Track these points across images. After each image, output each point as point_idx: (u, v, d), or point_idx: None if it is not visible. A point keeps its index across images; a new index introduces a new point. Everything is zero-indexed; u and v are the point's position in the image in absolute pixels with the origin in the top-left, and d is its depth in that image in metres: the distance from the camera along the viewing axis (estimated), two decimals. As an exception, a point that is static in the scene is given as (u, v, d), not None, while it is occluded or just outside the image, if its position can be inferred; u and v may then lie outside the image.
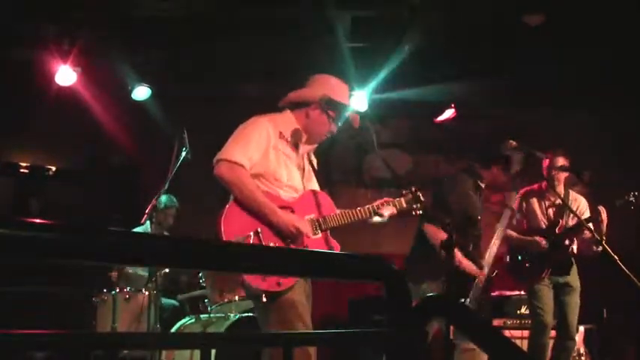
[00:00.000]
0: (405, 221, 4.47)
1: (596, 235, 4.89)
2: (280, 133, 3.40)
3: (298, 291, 3.25)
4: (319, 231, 3.38)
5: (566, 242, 5.22)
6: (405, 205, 3.62)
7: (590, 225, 5.11)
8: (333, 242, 3.45)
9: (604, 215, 5.00)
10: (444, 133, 7.77)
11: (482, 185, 4.53)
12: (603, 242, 4.65)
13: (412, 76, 6.72)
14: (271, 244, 3.20)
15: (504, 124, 7.47)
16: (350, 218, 3.46)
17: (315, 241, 3.35)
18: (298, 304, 3.22)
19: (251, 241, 3.15)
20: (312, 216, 3.38)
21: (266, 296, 3.15)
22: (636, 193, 5.04)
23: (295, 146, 3.44)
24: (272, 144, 3.34)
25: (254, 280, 3.15)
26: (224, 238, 3.13)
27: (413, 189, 3.66)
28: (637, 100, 7.13)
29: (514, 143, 4.85)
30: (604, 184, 5.24)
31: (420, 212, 3.69)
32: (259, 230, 3.19)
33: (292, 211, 3.32)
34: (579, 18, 5.94)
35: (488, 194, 4.87)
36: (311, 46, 6.28)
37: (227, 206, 3.23)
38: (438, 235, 4.08)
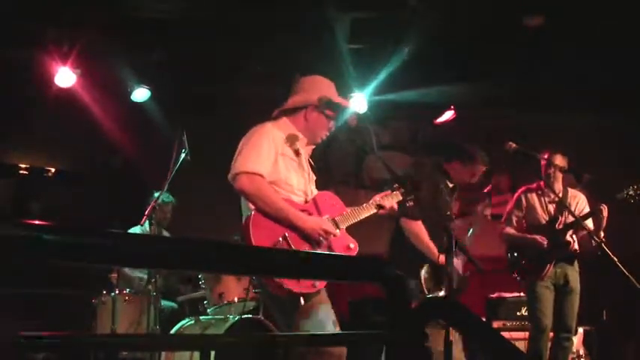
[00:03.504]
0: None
1: (593, 232, 4.92)
2: (284, 138, 3.44)
3: (324, 293, 3.36)
4: (337, 230, 3.45)
5: (567, 238, 5.22)
6: (401, 196, 3.71)
7: (590, 220, 5.13)
8: (351, 239, 3.52)
9: (605, 212, 5.01)
10: (444, 135, 7.77)
11: (451, 184, 4.59)
12: (602, 244, 4.66)
13: (411, 77, 6.71)
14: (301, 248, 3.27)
15: (504, 125, 7.47)
16: (361, 214, 3.56)
17: (336, 240, 3.42)
18: (327, 305, 3.32)
19: (280, 247, 3.20)
20: (327, 217, 3.44)
21: (304, 299, 3.20)
22: (635, 186, 5.04)
23: (298, 150, 3.48)
24: (279, 150, 3.39)
25: (290, 284, 3.18)
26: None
27: (407, 181, 3.74)
28: (637, 100, 7.13)
29: (513, 145, 4.86)
30: (604, 185, 5.23)
31: (412, 203, 3.77)
32: (287, 235, 3.24)
33: (309, 214, 3.38)
34: (579, 19, 5.94)
35: (491, 195, 4.89)
36: (311, 48, 6.28)
37: (251, 215, 3.25)
38: (414, 227, 4.36)
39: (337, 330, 3.28)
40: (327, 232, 3.31)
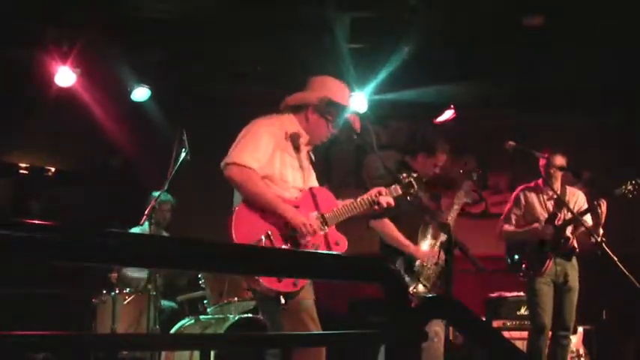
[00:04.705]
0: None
1: (592, 228, 4.92)
2: (286, 133, 3.43)
3: (308, 291, 3.31)
4: (326, 227, 3.41)
5: (567, 234, 5.22)
6: (400, 192, 3.64)
7: (588, 217, 5.13)
8: (340, 237, 3.47)
9: (604, 207, 5.00)
10: (444, 135, 7.77)
11: (414, 176, 4.53)
12: (603, 243, 4.66)
13: (411, 77, 6.71)
14: (283, 246, 3.24)
15: (504, 124, 7.48)
16: (352, 211, 3.49)
17: (323, 237, 3.38)
18: (309, 305, 3.28)
19: (263, 245, 3.18)
20: (316, 213, 3.41)
21: (284, 297, 3.18)
22: (634, 181, 5.04)
23: (298, 148, 3.46)
24: (279, 146, 3.37)
25: (270, 282, 3.17)
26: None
27: (404, 176, 3.69)
28: (637, 100, 7.13)
29: (513, 144, 4.86)
30: (604, 185, 5.24)
31: (414, 197, 3.74)
32: (269, 233, 3.22)
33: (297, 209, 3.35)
34: (579, 19, 5.95)
35: (486, 196, 4.88)
36: (311, 47, 6.28)
37: (235, 211, 3.25)
38: (384, 227, 4.35)
39: (318, 330, 3.24)
40: (311, 229, 3.26)
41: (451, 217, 4.49)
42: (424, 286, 4.31)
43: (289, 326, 3.18)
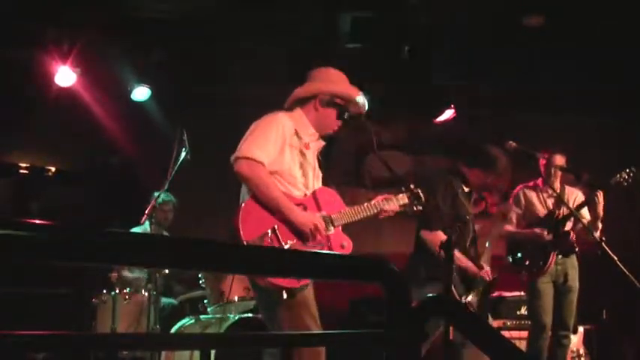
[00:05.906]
0: (405, 221, 4.50)
1: (591, 223, 4.94)
2: (296, 130, 3.42)
3: (311, 289, 3.31)
4: (332, 227, 3.41)
5: (566, 228, 5.23)
6: (407, 200, 3.65)
7: (587, 212, 5.15)
8: (346, 238, 3.47)
9: (601, 198, 5.02)
10: (444, 134, 7.78)
11: (467, 189, 4.58)
12: (602, 243, 4.66)
13: (412, 76, 6.72)
14: (289, 241, 3.24)
15: (504, 124, 7.48)
16: (359, 215, 3.50)
17: (329, 238, 3.38)
18: (310, 303, 3.27)
19: (269, 239, 3.18)
20: (323, 213, 3.40)
21: (286, 292, 3.17)
22: (628, 170, 5.05)
23: (307, 144, 3.46)
24: (288, 141, 3.37)
25: (273, 277, 3.14)
26: (242, 237, 3.15)
27: (412, 187, 3.68)
28: (637, 100, 7.13)
29: (513, 144, 4.87)
30: (603, 185, 5.24)
31: (420, 209, 3.75)
32: (276, 227, 3.22)
33: (305, 209, 3.35)
34: (579, 19, 5.95)
35: (486, 196, 4.90)
36: (311, 47, 6.28)
37: (243, 204, 3.24)
38: (434, 239, 4.27)
39: (319, 329, 3.23)
40: (317, 229, 3.28)
41: (486, 260, 4.55)
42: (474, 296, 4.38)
43: (290, 323, 3.17)
